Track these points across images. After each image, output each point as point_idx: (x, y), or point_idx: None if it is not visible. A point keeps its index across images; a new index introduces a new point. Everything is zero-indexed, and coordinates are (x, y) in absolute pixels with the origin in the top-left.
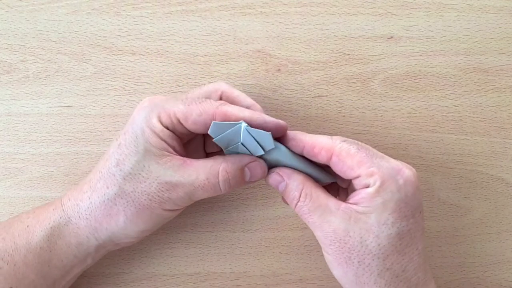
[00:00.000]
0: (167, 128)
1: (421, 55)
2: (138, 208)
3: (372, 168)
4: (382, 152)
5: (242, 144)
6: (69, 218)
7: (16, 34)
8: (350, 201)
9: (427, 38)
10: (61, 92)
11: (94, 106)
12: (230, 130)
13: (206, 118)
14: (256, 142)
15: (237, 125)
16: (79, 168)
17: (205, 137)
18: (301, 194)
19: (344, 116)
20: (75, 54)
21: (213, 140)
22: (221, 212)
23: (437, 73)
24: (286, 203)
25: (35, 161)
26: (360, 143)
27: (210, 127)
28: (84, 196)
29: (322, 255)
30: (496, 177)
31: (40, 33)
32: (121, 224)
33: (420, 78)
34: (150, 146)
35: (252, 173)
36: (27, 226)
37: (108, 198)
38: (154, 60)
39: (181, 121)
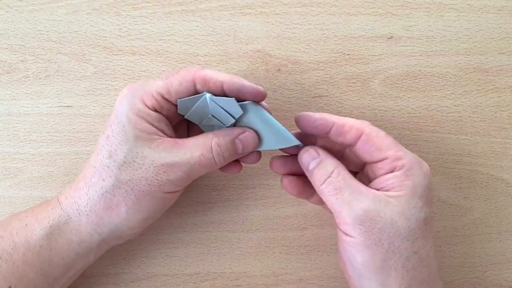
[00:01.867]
0: (155, 110)
1: (421, 55)
2: (138, 195)
3: (400, 153)
4: None
5: (212, 115)
6: (68, 216)
7: (16, 34)
8: (379, 188)
9: (427, 38)
10: (61, 92)
11: (94, 106)
12: (197, 104)
13: (187, 85)
14: (224, 111)
15: (202, 97)
16: (79, 168)
17: (189, 124)
18: (334, 170)
19: (344, 116)
20: (75, 54)
21: (184, 117)
22: (221, 212)
23: (437, 73)
24: (287, 191)
25: (35, 161)
26: None
27: (178, 105)
28: (81, 192)
29: (322, 255)
30: (496, 177)
31: (40, 33)
32: (123, 215)
33: (420, 78)
34: (139, 132)
35: (243, 144)
36: (26, 224)
37: (106, 191)
38: (154, 60)
39: (165, 95)
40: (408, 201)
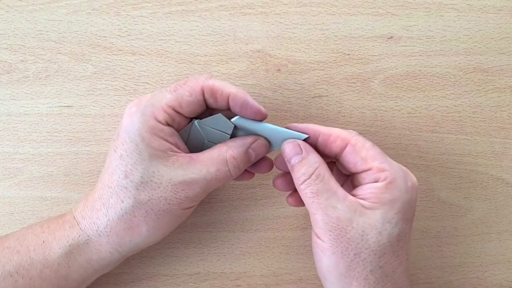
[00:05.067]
0: (167, 124)
1: (421, 55)
2: (159, 214)
3: (385, 164)
4: None
5: (208, 141)
6: (88, 236)
7: (16, 34)
8: (357, 195)
9: (427, 38)
10: (61, 92)
11: (94, 106)
12: (190, 133)
13: (196, 95)
14: (216, 131)
15: (193, 125)
16: (79, 168)
17: None
18: (314, 172)
19: (344, 116)
20: (75, 54)
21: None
22: (221, 212)
23: (437, 73)
24: (278, 188)
25: (35, 161)
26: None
27: None
28: (99, 213)
29: None
30: (496, 177)
31: (40, 33)
32: (145, 233)
33: (420, 78)
34: (154, 150)
35: (256, 152)
36: (43, 241)
37: (126, 212)
38: (154, 60)
39: (176, 109)
40: (383, 215)
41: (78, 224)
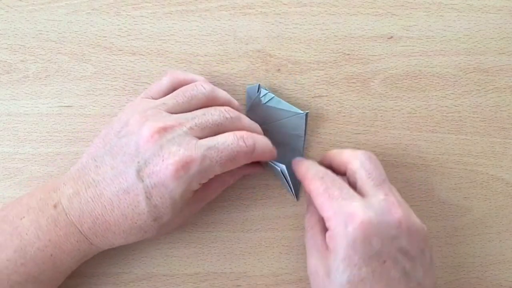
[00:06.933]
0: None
1: (421, 55)
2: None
3: (329, 213)
4: (382, 152)
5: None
6: (97, 247)
7: (16, 34)
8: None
9: (427, 38)
10: (61, 92)
11: (94, 106)
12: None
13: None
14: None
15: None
16: None
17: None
18: (306, 228)
19: (344, 116)
20: (75, 54)
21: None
22: (221, 212)
23: (437, 73)
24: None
25: (35, 161)
26: (331, 174)
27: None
28: (118, 238)
29: None
30: (496, 177)
31: (40, 33)
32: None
33: (420, 78)
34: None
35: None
36: (51, 255)
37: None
38: (154, 60)
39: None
40: (332, 264)
41: (87, 239)
